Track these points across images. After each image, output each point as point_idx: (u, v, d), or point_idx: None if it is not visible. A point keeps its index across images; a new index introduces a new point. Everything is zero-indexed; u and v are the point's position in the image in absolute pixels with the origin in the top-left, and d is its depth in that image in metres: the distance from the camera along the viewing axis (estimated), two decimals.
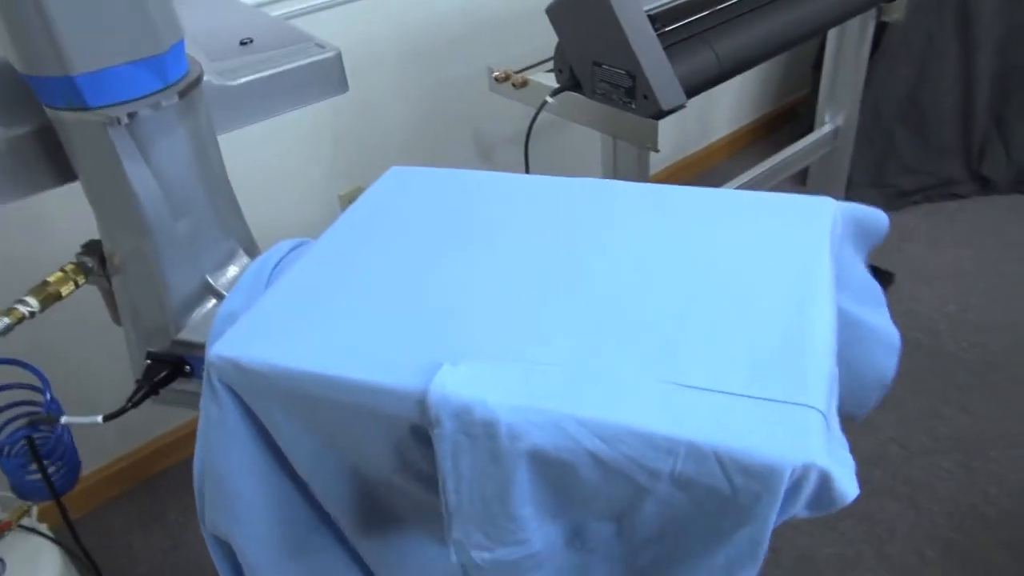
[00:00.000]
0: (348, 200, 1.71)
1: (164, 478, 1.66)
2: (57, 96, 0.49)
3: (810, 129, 1.99)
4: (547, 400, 0.42)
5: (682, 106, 1.25)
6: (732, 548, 0.42)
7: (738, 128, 2.52)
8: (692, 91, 1.27)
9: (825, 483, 0.38)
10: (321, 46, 0.75)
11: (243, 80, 0.69)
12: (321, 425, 0.49)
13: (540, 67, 1.54)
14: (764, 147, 2.57)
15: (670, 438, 0.40)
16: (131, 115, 0.50)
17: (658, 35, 1.24)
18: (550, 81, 1.46)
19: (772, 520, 0.39)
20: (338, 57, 0.75)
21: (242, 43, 0.75)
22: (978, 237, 2.04)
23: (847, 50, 1.70)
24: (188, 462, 1.94)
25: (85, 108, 0.49)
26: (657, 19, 1.30)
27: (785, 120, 2.65)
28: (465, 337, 0.47)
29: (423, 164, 2.06)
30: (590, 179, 0.64)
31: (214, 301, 0.61)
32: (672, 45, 1.28)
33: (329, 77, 0.75)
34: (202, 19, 0.74)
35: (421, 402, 0.43)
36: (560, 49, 1.36)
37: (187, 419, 1.67)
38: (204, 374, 0.49)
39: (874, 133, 2.17)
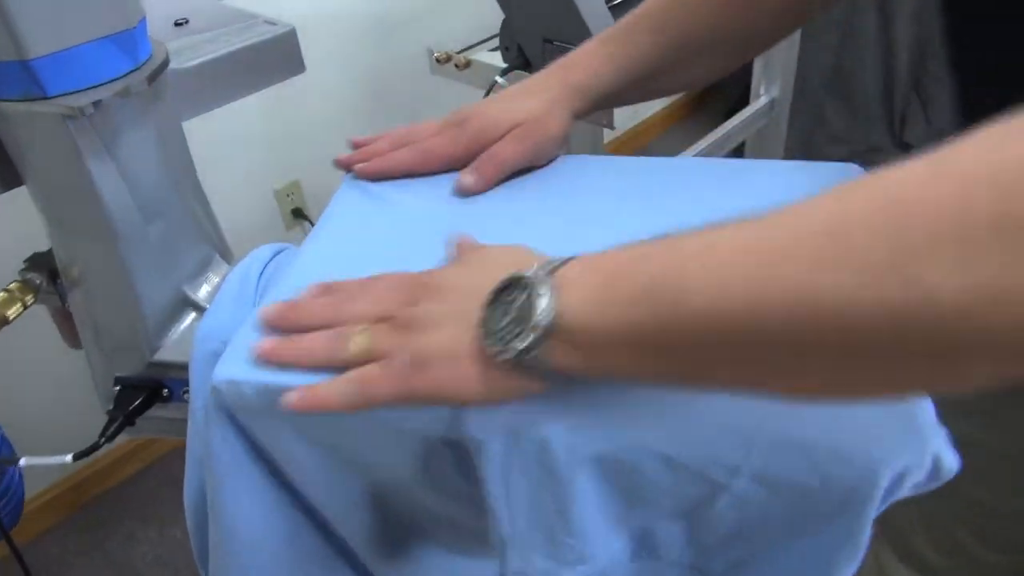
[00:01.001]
0: (285, 195, 1.62)
1: (102, 502, 1.54)
2: (9, 85, 0.41)
3: (739, 100, 2.00)
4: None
5: None
6: (826, 541, 0.39)
7: (669, 103, 2.53)
8: None
9: (935, 464, 0.35)
10: (271, 23, 0.69)
11: (198, 62, 0.62)
12: (344, 447, 0.44)
13: (483, 46, 1.48)
14: (696, 121, 2.60)
15: (746, 430, 0.36)
16: (96, 104, 0.43)
17: (610, 8, 1.21)
18: (494, 60, 1.41)
19: (872, 511, 0.36)
20: (293, 33, 0.69)
21: (177, 24, 0.68)
22: None
23: None
24: (126, 483, 1.82)
25: (43, 98, 0.41)
26: None
27: (713, 93, 2.67)
28: None
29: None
30: (584, 156, 0.59)
31: (194, 315, 0.54)
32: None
33: (286, 56, 0.69)
34: None
35: (458, 417, 0.38)
36: (506, 26, 1.30)
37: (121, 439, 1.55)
38: (207, 401, 0.42)
39: (801, 104, 2.21)
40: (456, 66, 1.44)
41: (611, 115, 1.28)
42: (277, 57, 0.64)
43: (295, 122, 1.57)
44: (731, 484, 0.38)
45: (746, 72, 2.11)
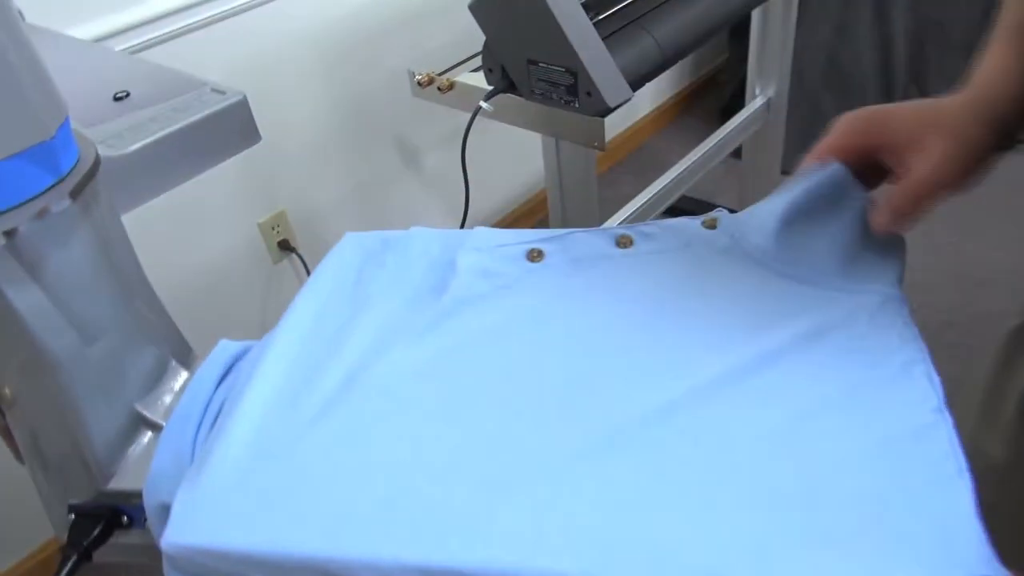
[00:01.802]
0: (270, 228, 1.56)
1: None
2: None
3: (732, 96, 1.94)
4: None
5: (628, 100, 1.17)
6: None
7: (661, 103, 2.47)
8: (636, 83, 1.18)
9: None
10: (220, 91, 0.63)
11: (139, 145, 0.57)
12: None
13: (466, 65, 1.42)
14: (689, 120, 2.54)
15: None
16: (9, 233, 0.37)
17: (594, 25, 1.15)
18: (479, 82, 1.35)
19: None
20: (244, 103, 0.63)
21: (116, 98, 0.62)
22: None
23: (773, 21, 1.65)
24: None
25: None
26: (590, 7, 1.21)
27: (706, 89, 2.61)
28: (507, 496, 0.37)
29: (346, 180, 1.91)
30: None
31: (150, 434, 0.49)
32: (610, 35, 1.19)
33: (237, 128, 0.63)
34: (54, 71, 0.61)
35: None
36: (489, 47, 1.24)
37: None
38: (164, 564, 0.37)
39: (798, 98, 2.15)
40: (439, 89, 1.38)
41: (602, 136, 1.23)
42: (228, 129, 0.58)
43: (275, 150, 1.52)
44: None
45: (739, 69, 2.05)
